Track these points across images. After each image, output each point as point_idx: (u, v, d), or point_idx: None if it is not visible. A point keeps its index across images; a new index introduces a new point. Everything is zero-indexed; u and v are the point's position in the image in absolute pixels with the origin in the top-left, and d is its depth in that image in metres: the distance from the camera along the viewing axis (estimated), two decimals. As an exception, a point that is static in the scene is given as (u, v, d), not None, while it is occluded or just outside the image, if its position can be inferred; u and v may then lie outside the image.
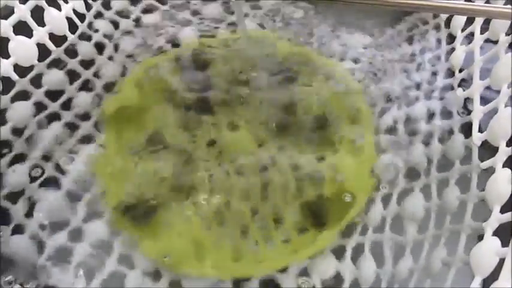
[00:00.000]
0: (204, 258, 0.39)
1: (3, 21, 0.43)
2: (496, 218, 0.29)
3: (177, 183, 0.44)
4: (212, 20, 0.59)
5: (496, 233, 0.29)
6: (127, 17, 0.58)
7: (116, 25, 0.57)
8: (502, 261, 0.26)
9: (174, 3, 0.60)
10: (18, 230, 0.40)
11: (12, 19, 0.44)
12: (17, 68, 0.45)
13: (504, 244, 0.27)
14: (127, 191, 0.43)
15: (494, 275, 0.26)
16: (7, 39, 0.44)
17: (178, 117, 0.48)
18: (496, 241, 0.28)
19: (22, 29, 0.45)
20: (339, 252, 0.38)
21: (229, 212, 0.42)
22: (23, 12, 0.44)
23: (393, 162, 0.43)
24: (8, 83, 0.44)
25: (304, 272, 0.37)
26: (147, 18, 0.58)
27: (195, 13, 0.60)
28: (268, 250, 0.40)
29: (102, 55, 0.53)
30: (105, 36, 0.55)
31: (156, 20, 0.58)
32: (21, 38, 0.45)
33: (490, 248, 0.27)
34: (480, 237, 0.30)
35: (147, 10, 0.59)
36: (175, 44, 0.56)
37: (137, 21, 0.58)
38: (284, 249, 0.40)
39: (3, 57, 0.43)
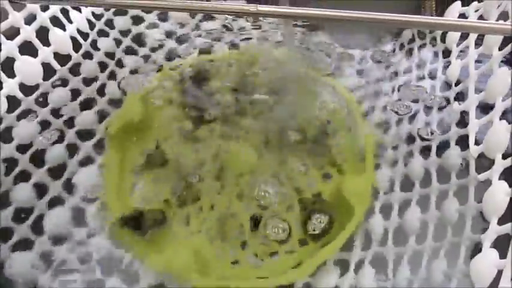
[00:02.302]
0: (206, 272, 0.40)
1: (9, 41, 0.44)
2: (494, 230, 0.30)
3: (179, 198, 0.44)
4: (212, 36, 0.60)
5: (494, 245, 0.29)
6: (129, 35, 0.59)
7: (118, 43, 0.58)
8: (500, 273, 0.27)
9: (176, 21, 0.61)
10: (22, 246, 0.40)
11: (18, 39, 0.45)
12: (22, 86, 0.46)
13: (502, 256, 0.28)
14: (130, 206, 0.44)
15: (494, 285, 0.27)
16: (13, 59, 0.44)
17: (179, 132, 0.49)
18: (494, 253, 0.28)
19: (28, 48, 0.46)
20: (340, 266, 0.39)
21: (231, 225, 0.43)
22: (28, 33, 0.45)
23: (392, 175, 0.44)
24: (14, 101, 0.45)
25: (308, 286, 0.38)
26: (150, 36, 0.60)
27: (196, 30, 0.61)
28: (270, 263, 0.40)
29: (105, 73, 0.54)
30: (108, 54, 0.56)
31: (158, 37, 0.60)
32: (27, 58, 0.46)
33: (488, 260, 0.28)
34: (479, 249, 0.30)
35: (149, 28, 0.60)
36: (176, 61, 0.57)
37: (140, 39, 0.59)
38: (286, 263, 0.40)
39: (9, 77, 0.44)
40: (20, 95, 0.45)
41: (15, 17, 0.44)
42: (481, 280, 0.28)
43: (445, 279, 0.32)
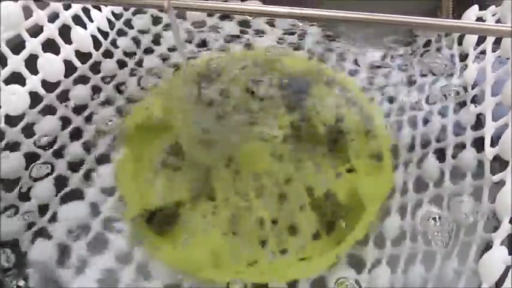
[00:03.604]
0: (221, 267, 0.40)
1: (33, 39, 0.45)
2: (505, 229, 0.30)
3: (195, 195, 0.45)
4: (229, 36, 0.61)
5: (505, 243, 0.30)
6: (148, 34, 0.60)
7: (137, 42, 0.59)
8: (508, 269, 0.27)
9: (194, 21, 0.62)
10: (41, 237, 0.41)
11: (42, 37, 0.46)
12: (44, 83, 0.47)
13: (511, 253, 0.28)
14: (148, 202, 0.45)
15: (500, 281, 0.27)
16: (36, 56, 0.46)
17: (197, 130, 0.50)
18: (504, 250, 0.29)
19: (50, 46, 0.47)
20: (354, 264, 0.39)
21: (247, 222, 0.43)
22: (51, 31, 0.46)
23: (407, 175, 0.44)
24: (36, 97, 0.46)
25: (320, 282, 0.38)
26: (168, 36, 0.60)
27: (213, 30, 0.62)
28: (284, 259, 0.41)
29: (124, 71, 0.55)
30: (127, 53, 0.57)
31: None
32: (49, 55, 0.47)
33: (497, 257, 0.28)
34: (489, 247, 0.31)
35: (168, 28, 0.61)
36: (194, 59, 0.58)
37: (158, 39, 0.60)
38: (300, 259, 0.41)
39: (32, 73, 0.45)
40: (42, 91, 0.46)
41: (39, 15, 0.45)
42: (488, 276, 0.29)
43: (456, 276, 0.33)
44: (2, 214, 0.42)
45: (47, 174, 0.45)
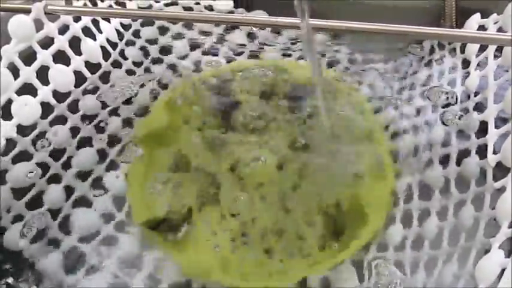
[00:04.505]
0: (229, 273, 0.41)
1: (44, 50, 0.46)
2: (504, 233, 0.30)
3: (202, 204, 0.46)
4: (236, 46, 0.62)
5: (503, 247, 0.30)
6: (156, 44, 0.61)
7: (145, 52, 0.60)
8: (503, 271, 0.28)
9: (200, 31, 0.63)
10: (52, 245, 0.42)
11: (52, 49, 0.47)
12: (55, 93, 0.48)
13: (508, 256, 0.29)
14: (155, 210, 0.45)
15: (496, 283, 0.28)
16: (47, 67, 0.47)
17: (203, 139, 0.51)
18: (501, 253, 0.29)
19: (61, 57, 0.48)
20: (357, 269, 0.40)
21: (254, 230, 0.44)
22: (62, 43, 0.47)
23: (411, 183, 0.45)
24: (48, 108, 0.47)
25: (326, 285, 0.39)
26: (175, 45, 0.61)
27: (220, 40, 0.63)
28: (290, 266, 0.41)
29: (132, 80, 0.56)
30: (135, 63, 0.58)
31: (183, 47, 0.61)
32: (60, 66, 0.48)
33: (494, 260, 0.29)
34: (487, 251, 0.31)
35: (175, 37, 0.62)
36: (200, 70, 0.59)
37: (165, 49, 0.61)
38: (306, 264, 0.41)
39: (43, 84, 0.46)
40: (53, 101, 0.47)
41: (50, 28, 0.46)
42: (484, 278, 0.29)
43: (454, 280, 0.33)
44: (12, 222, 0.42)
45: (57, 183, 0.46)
